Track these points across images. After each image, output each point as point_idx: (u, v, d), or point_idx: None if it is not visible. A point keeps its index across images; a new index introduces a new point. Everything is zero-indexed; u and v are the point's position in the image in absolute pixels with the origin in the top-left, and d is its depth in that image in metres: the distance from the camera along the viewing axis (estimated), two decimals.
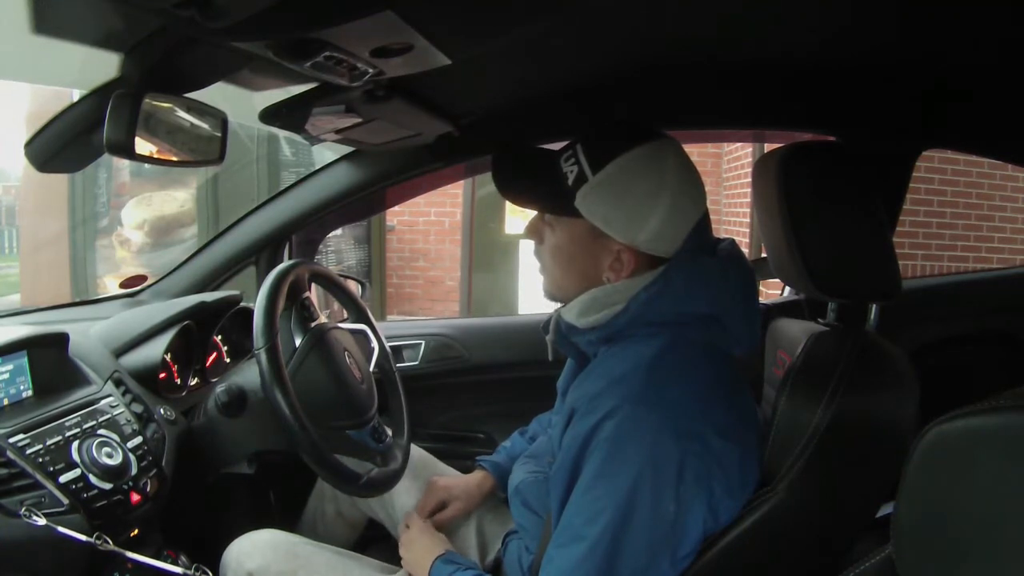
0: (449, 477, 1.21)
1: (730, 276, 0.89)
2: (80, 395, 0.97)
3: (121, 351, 1.13)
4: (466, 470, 1.25)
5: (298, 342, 1.10)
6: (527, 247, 1.03)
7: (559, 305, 0.97)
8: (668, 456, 0.80)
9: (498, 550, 1.14)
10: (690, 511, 0.82)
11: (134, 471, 0.92)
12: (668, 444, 0.80)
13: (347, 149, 1.43)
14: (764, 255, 1.16)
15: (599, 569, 0.79)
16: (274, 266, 1.13)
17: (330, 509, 1.33)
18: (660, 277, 0.87)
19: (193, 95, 0.87)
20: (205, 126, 0.92)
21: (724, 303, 0.88)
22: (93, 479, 0.87)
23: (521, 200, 0.98)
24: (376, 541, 1.31)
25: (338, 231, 3.83)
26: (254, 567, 1.03)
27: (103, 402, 0.98)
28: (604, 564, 0.79)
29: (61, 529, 0.80)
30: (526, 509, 1.02)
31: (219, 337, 1.35)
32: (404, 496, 1.23)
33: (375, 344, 1.28)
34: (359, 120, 1.06)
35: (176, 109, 0.86)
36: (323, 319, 1.19)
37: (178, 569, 0.87)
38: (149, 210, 3.86)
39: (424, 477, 1.25)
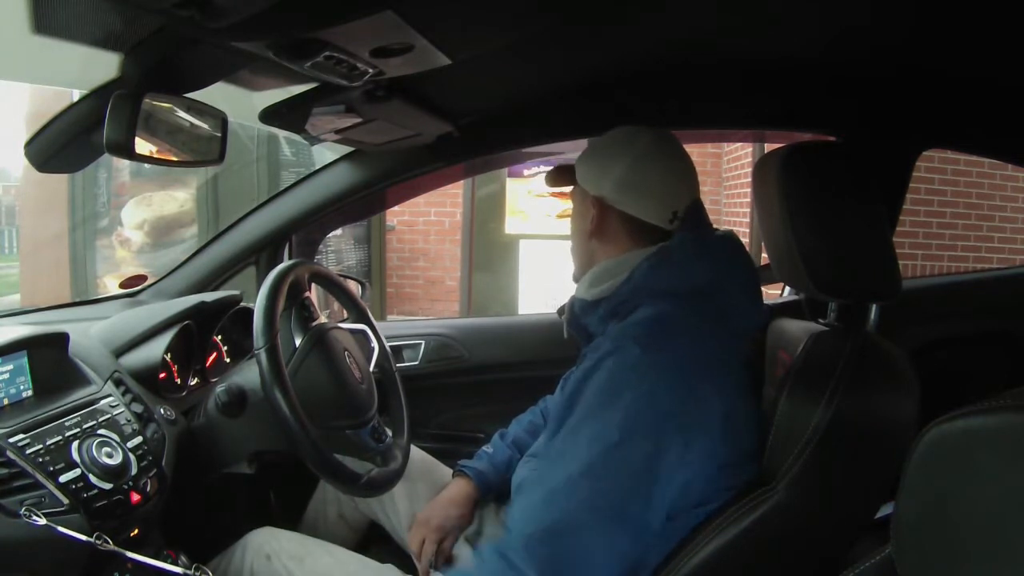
0: (436, 513, 1.17)
1: (729, 252, 0.96)
2: (80, 395, 0.97)
3: (121, 351, 1.12)
4: None
5: (298, 342, 1.10)
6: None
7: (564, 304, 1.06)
8: (662, 400, 0.83)
9: None
10: (666, 455, 0.83)
11: (134, 471, 0.92)
12: (664, 392, 0.83)
13: (347, 149, 1.43)
14: (765, 262, 1.16)
15: (579, 498, 0.81)
16: (274, 266, 1.13)
17: (332, 511, 1.33)
18: (662, 248, 0.94)
19: (193, 95, 0.87)
20: (205, 126, 0.92)
21: (726, 274, 0.93)
22: (93, 479, 0.87)
23: (554, 179, 1.11)
24: (376, 542, 1.31)
25: (338, 231, 3.83)
26: (271, 551, 1.08)
27: (103, 402, 0.97)
28: (582, 494, 0.82)
29: (61, 529, 0.80)
30: None
31: (219, 337, 1.34)
32: (404, 498, 1.23)
33: (375, 344, 1.28)
34: (359, 120, 1.06)
35: (176, 109, 0.86)
36: (323, 319, 1.19)
37: (178, 569, 0.87)
38: (149, 210, 3.86)
39: (424, 480, 1.25)
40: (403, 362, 1.59)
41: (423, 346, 1.61)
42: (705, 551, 0.85)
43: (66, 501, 0.83)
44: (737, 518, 0.86)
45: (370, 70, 0.83)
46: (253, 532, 1.12)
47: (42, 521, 0.79)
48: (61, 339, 1.00)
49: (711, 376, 0.87)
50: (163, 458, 0.99)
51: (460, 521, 1.17)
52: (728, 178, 4.83)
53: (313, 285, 1.23)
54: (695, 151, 1.01)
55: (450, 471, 1.28)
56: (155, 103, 0.81)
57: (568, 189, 1.08)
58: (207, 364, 1.30)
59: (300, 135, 1.14)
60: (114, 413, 0.97)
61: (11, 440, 0.84)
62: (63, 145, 0.90)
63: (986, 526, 0.41)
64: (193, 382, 1.24)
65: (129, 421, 0.98)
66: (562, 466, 0.84)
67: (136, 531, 0.93)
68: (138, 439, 0.96)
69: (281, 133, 2.61)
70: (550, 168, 1.11)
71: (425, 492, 1.23)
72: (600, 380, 0.85)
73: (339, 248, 4.05)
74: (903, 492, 0.46)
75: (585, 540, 0.82)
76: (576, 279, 1.05)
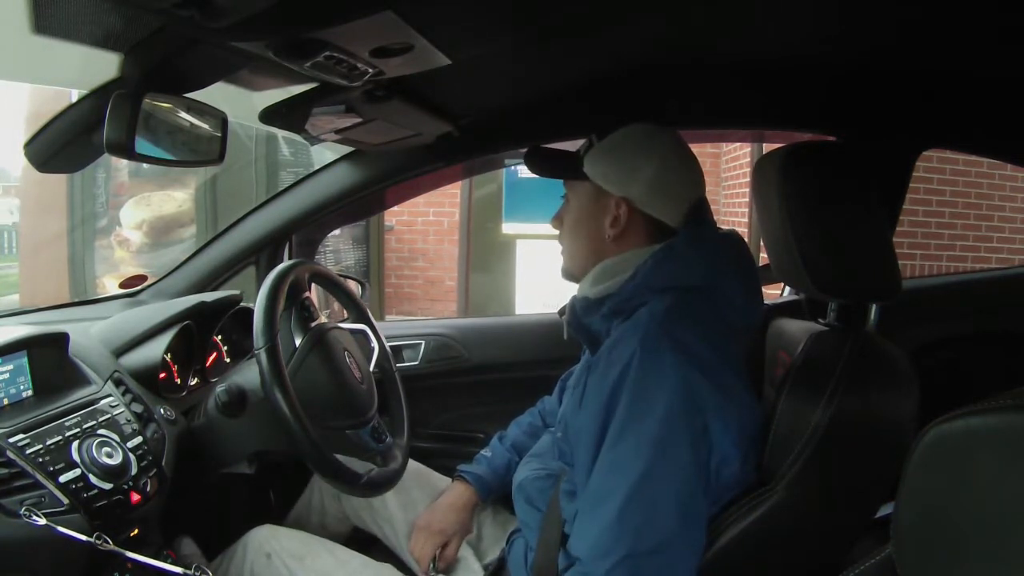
0: (436, 517, 1.18)
1: (728, 250, 0.97)
2: (80, 395, 0.97)
3: (121, 351, 1.13)
4: None
5: (298, 342, 1.10)
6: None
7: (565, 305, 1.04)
8: (693, 388, 0.84)
9: (502, 549, 1.14)
10: (707, 440, 0.85)
11: (134, 471, 0.92)
12: (694, 381, 0.84)
13: (347, 149, 1.43)
14: (765, 262, 1.16)
15: (640, 517, 0.80)
16: (274, 266, 1.13)
17: (315, 520, 1.33)
18: (665, 246, 0.94)
19: (193, 95, 0.87)
20: (205, 126, 0.92)
21: (722, 272, 0.93)
22: (93, 479, 0.87)
23: (544, 168, 1.07)
24: (376, 543, 1.31)
25: (337, 231, 3.83)
26: (271, 550, 1.09)
27: (103, 402, 0.97)
28: (644, 512, 0.80)
29: (61, 529, 0.80)
30: (528, 505, 1.03)
31: (219, 337, 1.34)
32: (400, 508, 1.23)
33: (375, 344, 1.28)
34: (359, 120, 1.06)
35: (176, 109, 0.86)
36: (323, 319, 1.19)
37: (178, 569, 0.87)
38: (148, 210, 3.85)
39: (419, 487, 1.25)
40: (403, 362, 1.59)
41: (423, 346, 1.61)
42: (706, 549, 0.85)
43: (66, 501, 0.83)
44: (737, 518, 0.86)
45: (370, 70, 0.83)
46: (254, 531, 1.12)
47: (42, 521, 0.79)
48: (61, 339, 1.00)
49: (725, 364, 0.88)
50: (163, 458, 0.99)
51: (460, 526, 1.17)
52: (727, 178, 4.83)
53: (313, 285, 1.23)
54: (695, 151, 1.01)
55: (443, 478, 1.29)
56: (155, 103, 0.81)
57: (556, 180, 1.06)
58: (207, 364, 1.30)
59: (300, 135, 1.14)
60: (114, 413, 0.97)
61: (11, 440, 0.84)
62: (63, 145, 0.90)
63: (986, 526, 0.41)
64: (193, 382, 1.24)
65: (129, 421, 0.98)
66: (621, 481, 0.82)
67: (136, 531, 0.93)
68: (138, 439, 0.96)
69: (281, 133, 2.62)
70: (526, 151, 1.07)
71: (421, 499, 1.23)
72: (631, 388, 0.84)
73: (338, 248, 4.05)
74: (903, 492, 0.46)
75: (670, 545, 0.81)
76: (573, 278, 1.04)
